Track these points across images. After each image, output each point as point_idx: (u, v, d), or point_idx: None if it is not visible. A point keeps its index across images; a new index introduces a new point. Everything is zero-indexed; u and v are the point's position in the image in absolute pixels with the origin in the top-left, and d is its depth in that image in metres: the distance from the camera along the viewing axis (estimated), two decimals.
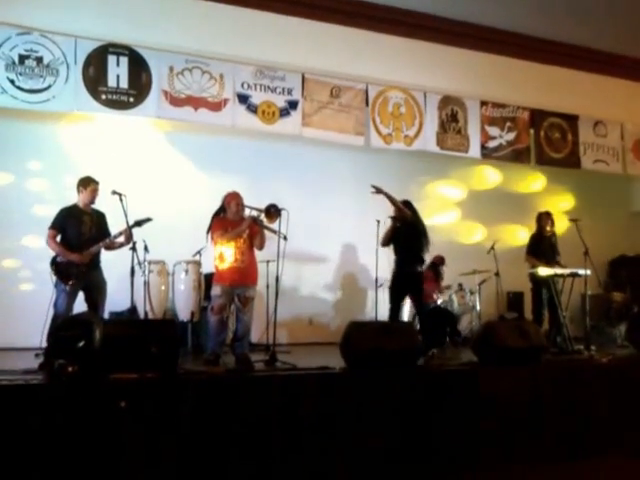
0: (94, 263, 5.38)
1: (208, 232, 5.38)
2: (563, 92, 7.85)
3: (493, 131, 7.52)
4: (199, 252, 6.54)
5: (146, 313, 6.09)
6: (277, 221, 5.37)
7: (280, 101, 6.55)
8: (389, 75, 7.03)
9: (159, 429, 3.85)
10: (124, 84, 5.93)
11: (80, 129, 7.22)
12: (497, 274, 7.50)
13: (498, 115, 7.58)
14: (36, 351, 5.25)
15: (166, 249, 6.57)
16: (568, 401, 4.99)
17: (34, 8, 5.73)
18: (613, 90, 8.18)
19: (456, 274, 8.06)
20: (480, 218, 9.33)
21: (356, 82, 6.91)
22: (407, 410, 4.48)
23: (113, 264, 5.59)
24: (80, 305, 5.36)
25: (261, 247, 5.39)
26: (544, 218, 7.08)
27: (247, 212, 5.41)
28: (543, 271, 6.61)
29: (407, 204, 6.09)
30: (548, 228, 7.02)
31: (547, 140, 7.79)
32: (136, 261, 5.41)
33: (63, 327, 4.42)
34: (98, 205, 5.54)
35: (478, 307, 7.97)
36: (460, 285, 8.10)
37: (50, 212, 5.47)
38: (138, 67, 6.01)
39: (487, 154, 7.52)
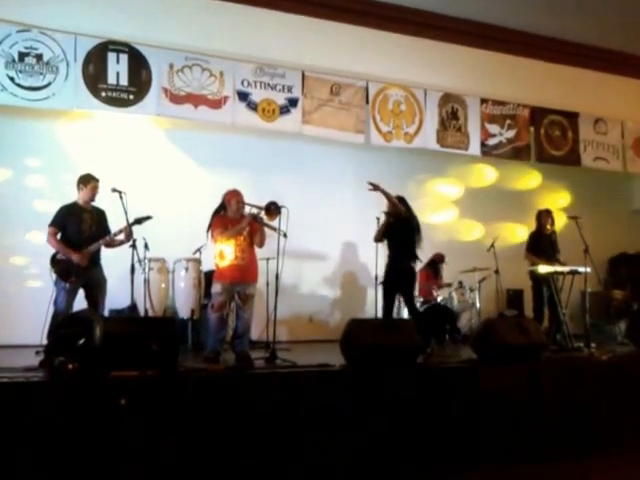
0: (94, 260, 5.38)
1: (208, 230, 5.38)
2: (563, 89, 7.85)
3: (493, 129, 7.52)
4: (199, 250, 6.54)
5: (146, 311, 6.08)
6: (277, 219, 5.37)
7: (280, 99, 6.54)
8: (389, 72, 7.03)
9: (159, 426, 3.86)
10: (124, 81, 5.93)
11: (80, 126, 7.22)
12: (497, 271, 7.50)
13: (498, 112, 7.57)
14: (36, 348, 5.25)
15: (166, 247, 6.57)
16: (568, 399, 5.00)
17: (34, 5, 5.73)
18: (614, 88, 8.18)
19: (456, 271, 8.07)
20: (480, 216, 9.32)
21: (356, 79, 6.90)
22: (407, 407, 4.49)
23: (113, 262, 5.59)
24: (80, 303, 5.36)
25: (261, 245, 5.39)
26: (544, 216, 7.09)
27: (247, 210, 5.42)
28: (543, 269, 6.61)
29: (401, 200, 6.10)
30: (548, 226, 7.02)
31: (547, 138, 7.78)
32: (136, 259, 5.40)
33: (63, 324, 4.43)
34: (98, 203, 5.54)
35: (478, 304, 7.97)
36: (460, 282, 8.10)
37: (50, 210, 5.47)
38: (138, 64, 6.00)
39: (487, 152, 7.52)
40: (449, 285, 8.09)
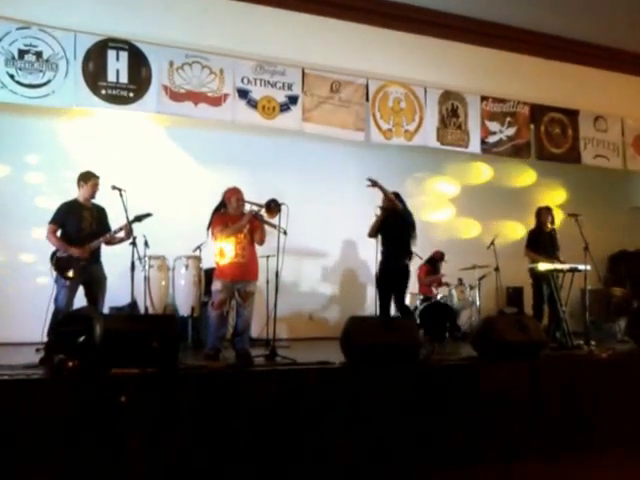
0: (94, 258, 5.38)
1: (208, 228, 5.38)
2: (564, 87, 7.84)
3: (493, 126, 7.51)
4: (199, 247, 6.54)
5: (146, 308, 6.09)
6: (277, 216, 5.37)
7: (280, 96, 6.54)
8: (389, 70, 7.02)
9: (159, 424, 3.86)
10: (124, 79, 5.92)
11: (80, 124, 7.20)
12: (497, 269, 7.50)
13: (498, 110, 7.57)
14: (36, 346, 5.26)
15: (166, 244, 6.58)
16: (568, 396, 5.00)
17: (34, 2, 5.75)
18: (614, 85, 8.16)
19: (456, 269, 8.07)
20: (479, 213, 9.32)
21: (356, 77, 6.90)
22: (407, 405, 4.49)
23: (113, 259, 5.60)
24: (80, 300, 5.36)
25: (262, 242, 5.39)
26: (544, 213, 7.07)
27: (247, 207, 5.42)
28: (543, 266, 6.61)
29: (397, 196, 6.10)
30: (548, 223, 7.02)
31: (547, 135, 7.78)
32: (136, 256, 5.40)
33: (64, 322, 4.43)
34: (98, 200, 5.54)
35: (478, 302, 7.98)
36: (460, 280, 8.11)
37: (50, 207, 5.47)
38: (138, 62, 5.99)
39: (487, 149, 7.52)
40: (447, 284, 8.09)
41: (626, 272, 9.36)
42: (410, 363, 4.79)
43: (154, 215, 5.48)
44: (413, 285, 7.79)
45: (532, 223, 7.22)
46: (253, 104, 6.43)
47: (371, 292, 7.75)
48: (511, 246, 8.21)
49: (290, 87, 6.58)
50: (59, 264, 5.23)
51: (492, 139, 7.51)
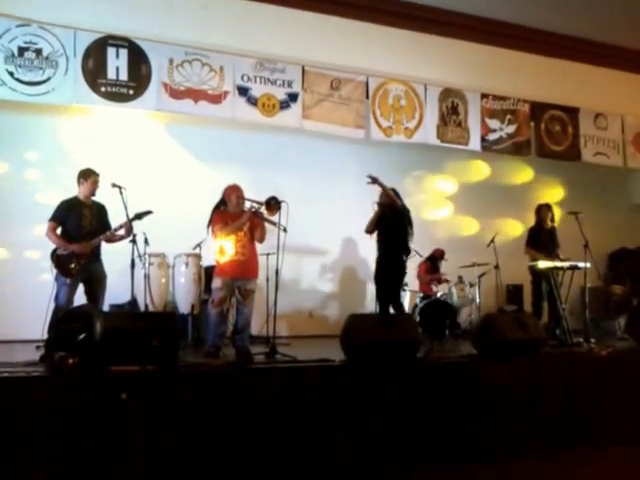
0: (94, 255, 5.38)
1: (208, 225, 5.38)
2: (564, 85, 7.84)
3: (493, 124, 7.51)
4: (199, 245, 6.54)
5: (146, 306, 6.09)
6: (277, 214, 5.37)
7: (280, 93, 6.54)
8: (389, 67, 7.02)
9: (159, 421, 3.86)
10: (124, 76, 5.92)
11: (80, 121, 7.19)
12: (497, 267, 7.50)
13: (498, 108, 7.56)
14: (37, 343, 5.26)
15: (166, 242, 6.57)
16: (567, 394, 5.01)
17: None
18: (614, 83, 8.16)
19: (456, 267, 8.07)
20: (479, 211, 9.31)
21: (356, 74, 6.90)
22: (407, 402, 4.50)
23: (113, 257, 5.59)
24: (80, 298, 5.36)
25: (262, 240, 5.39)
26: (544, 210, 7.08)
27: (247, 205, 5.41)
28: (543, 264, 6.61)
29: (395, 192, 6.10)
30: (548, 221, 7.02)
31: (547, 133, 7.78)
32: (136, 254, 5.41)
33: (64, 319, 4.43)
34: (98, 198, 5.53)
35: (478, 300, 7.98)
36: (460, 278, 8.11)
37: (50, 204, 5.46)
38: (138, 59, 5.99)
39: (487, 147, 7.52)
40: (447, 281, 8.09)
41: (626, 270, 9.35)
42: (410, 361, 4.80)
43: (154, 213, 5.48)
44: (413, 283, 7.81)
45: (531, 221, 7.23)
46: (253, 101, 6.42)
47: (371, 289, 7.74)
48: (511, 244, 8.22)
49: (290, 84, 6.58)
50: (59, 262, 5.23)
51: (492, 137, 7.51)
